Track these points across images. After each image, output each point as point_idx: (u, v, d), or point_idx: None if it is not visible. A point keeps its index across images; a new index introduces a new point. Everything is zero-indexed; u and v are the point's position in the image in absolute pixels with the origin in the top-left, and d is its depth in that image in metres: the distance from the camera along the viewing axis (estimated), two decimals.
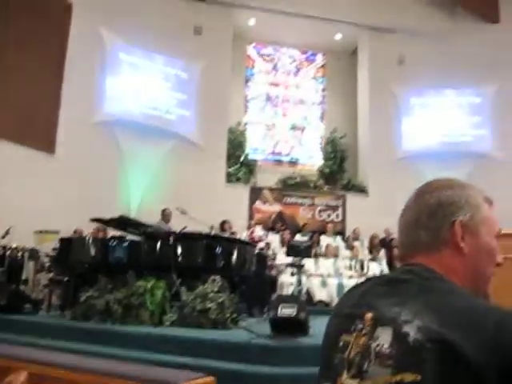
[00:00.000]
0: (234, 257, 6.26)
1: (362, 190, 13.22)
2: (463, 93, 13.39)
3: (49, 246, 8.18)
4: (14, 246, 8.16)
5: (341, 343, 1.01)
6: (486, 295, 1.08)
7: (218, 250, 6.18)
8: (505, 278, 4.36)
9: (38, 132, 10.03)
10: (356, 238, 10.90)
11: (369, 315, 0.98)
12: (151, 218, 8.31)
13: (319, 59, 15.20)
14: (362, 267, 9.53)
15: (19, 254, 8.22)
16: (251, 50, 14.75)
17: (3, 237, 7.92)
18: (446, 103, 13.53)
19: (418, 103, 13.57)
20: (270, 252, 9.35)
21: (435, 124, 13.46)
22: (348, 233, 11.98)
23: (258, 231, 9.90)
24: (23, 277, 8.15)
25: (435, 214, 1.07)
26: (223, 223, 9.86)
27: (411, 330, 0.89)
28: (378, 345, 0.93)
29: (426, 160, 12.63)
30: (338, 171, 13.90)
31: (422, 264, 1.04)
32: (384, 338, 0.93)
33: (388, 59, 13.33)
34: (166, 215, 8.69)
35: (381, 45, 13.43)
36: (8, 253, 8.03)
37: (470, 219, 1.05)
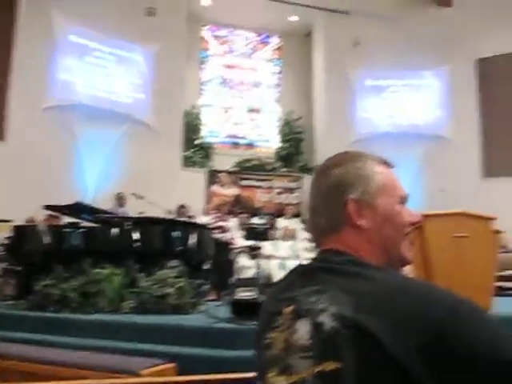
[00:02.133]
0: (193, 241, 6.22)
1: None
2: (418, 75, 13.56)
3: (1, 236, 7.95)
4: None
5: (265, 341, 1.00)
6: (405, 261, 1.07)
7: (176, 234, 6.13)
8: (454, 255, 4.45)
9: None
10: None
11: (288, 309, 0.97)
12: (107, 203, 8.17)
13: (275, 41, 15.14)
14: None
15: None
16: (206, 32, 14.56)
17: None
18: (401, 85, 13.69)
19: (373, 86, 13.68)
20: (228, 235, 9.34)
21: (390, 106, 13.64)
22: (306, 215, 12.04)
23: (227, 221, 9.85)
24: None
25: (328, 198, 1.06)
26: (180, 207, 9.78)
27: (327, 318, 0.88)
28: (298, 338, 0.92)
29: (381, 142, 12.78)
30: (295, 153, 13.97)
31: (332, 249, 1.03)
32: (303, 330, 0.92)
33: (343, 42, 13.36)
34: (119, 199, 8.56)
35: (336, 27, 13.45)
36: None
37: (363, 193, 1.04)
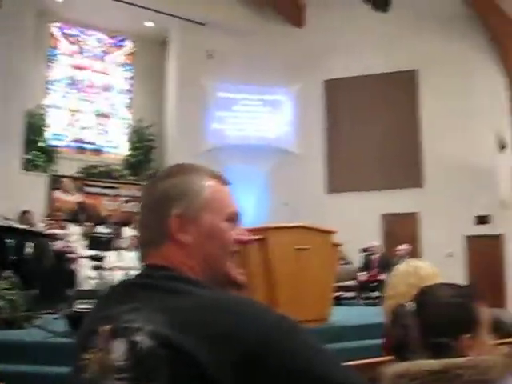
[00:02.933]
0: (29, 250, 5.80)
1: None
2: (269, 91, 14.01)
3: None
4: None
5: (82, 363, 0.92)
6: (231, 279, 1.05)
7: (10, 242, 5.67)
8: (296, 267, 4.60)
9: None
10: None
11: (105, 328, 0.90)
12: None
13: (128, 46, 14.80)
14: None
15: None
16: (55, 29, 13.80)
17: None
18: (253, 100, 14.06)
19: (226, 98, 13.89)
20: (70, 245, 8.87)
21: (242, 119, 13.94)
22: None
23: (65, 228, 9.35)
24: None
25: (153, 211, 1.03)
26: (24, 213, 9.13)
27: (143, 338, 0.84)
28: (114, 359, 0.86)
29: (231, 154, 13.03)
30: (145, 161, 13.73)
31: (154, 263, 0.99)
32: (119, 351, 0.86)
33: (198, 52, 13.43)
34: None
35: (191, 37, 13.48)
36: None
37: (188, 208, 1.01)
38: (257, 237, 5.10)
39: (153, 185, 1.06)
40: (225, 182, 1.08)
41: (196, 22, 13.46)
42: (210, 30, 13.41)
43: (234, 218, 1.06)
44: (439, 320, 1.37)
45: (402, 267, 2.07)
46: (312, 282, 5.24)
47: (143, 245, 1.04)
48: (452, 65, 12.53)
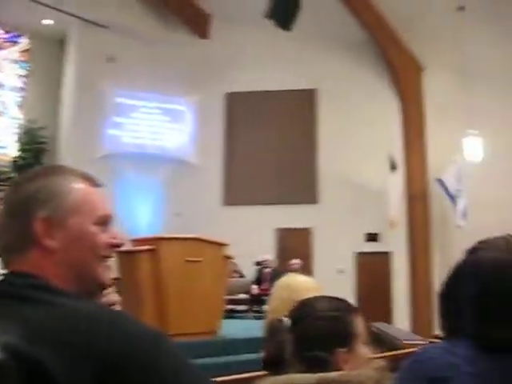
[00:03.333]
0: None
1: None
2: (170, 100, 13.83)
3: None
4: None
5: None
6: (102, 285, 0.99)
7: None
8: (187, 279, 4.49)
9: None
10: None
11: None
12: None
13: (24, 42, 14.02)
14: None
15: None
16: None
17: None
18: (153, 108, 13.81)
19: (125, 104, 13.53)
20: None
21: (140, 127, 13.65)
22: None
23: None
24: None
25: (16, 215, 0.94)
26: None
27: None
28: None
29: (128, 161, 12.71)
30: (34, 164, 13.00)
31: (17, 271, 0.91)
32: None
33: (98, 55, 12.95)
34: None
35: (92, 39, 13.01)
36: None
37: (54, 211, 0.94)
38: (147, 247, 4.95)
39: (17, 186, 0.97)
40: (96, 184, 1.03)
41: (98, 25, 13.02)
42: (113, 33, 13.02)
43: (105, 221, 1.00)
44: (314, 334, 1.35)
45: (280, 282, 2.08)
46: (203, 295, 5.16)
47: (5, 251, 0.96)
48: (350, 87, 13.00)
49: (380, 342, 8.78)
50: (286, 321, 1.40)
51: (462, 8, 10.89)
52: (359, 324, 1.41)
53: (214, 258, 5.28)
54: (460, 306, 1.27)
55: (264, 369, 1.38)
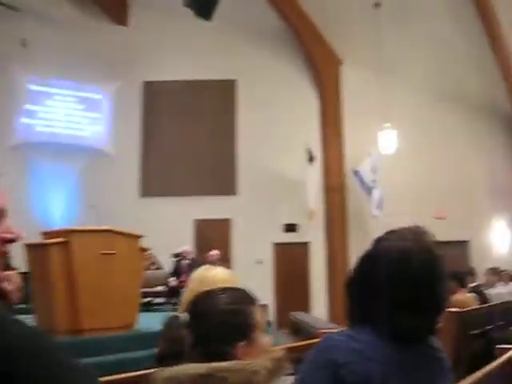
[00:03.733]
0: None
1: None
2: (84, 88, 13.38)
3: None
4: None
5: None
6: None
7: None
8: (101, 271, 4.39)
9: None
10: None
11: None
12: None
13: None
14: None
15: None
16: None
17: None
18: (68, 95, 13.32)
19: (38, 91, 12.98)
20: None
21: (54, 115, 13.13)
22: None
23: None
24: None
25: None
26: None
27: None
28: None
29: (41, 150, 12.23)
30: None
31: None
32: None
33: (10, 39, 12.21)
34: None
35: (3, 21, 12.29)
36: None
37: None
38: (58, 240, 4.77)
39: None
40: None
41: (10, 7, 12.32)
42: (26, 16, 12.36)
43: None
44: (213, 329, 1.33)
45: (194, 274, 2.07)
46: (118, 288, 5.04)
47: None
48: (269, 78, 13.10)
49: (298, 331, 8.95)
50: (184, 316, 1.37)
51: (378, 4, 11.15)
52: (258, 314, 1.39)
53: (128, 251, 5.17)
54: (367, 295, 1.29)
55: (158, 365, 1.34)
